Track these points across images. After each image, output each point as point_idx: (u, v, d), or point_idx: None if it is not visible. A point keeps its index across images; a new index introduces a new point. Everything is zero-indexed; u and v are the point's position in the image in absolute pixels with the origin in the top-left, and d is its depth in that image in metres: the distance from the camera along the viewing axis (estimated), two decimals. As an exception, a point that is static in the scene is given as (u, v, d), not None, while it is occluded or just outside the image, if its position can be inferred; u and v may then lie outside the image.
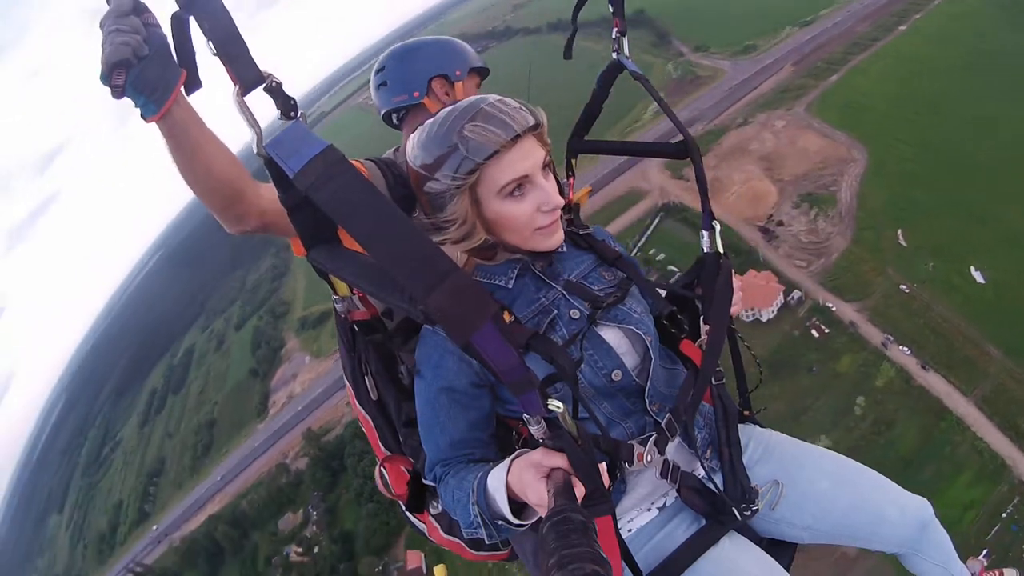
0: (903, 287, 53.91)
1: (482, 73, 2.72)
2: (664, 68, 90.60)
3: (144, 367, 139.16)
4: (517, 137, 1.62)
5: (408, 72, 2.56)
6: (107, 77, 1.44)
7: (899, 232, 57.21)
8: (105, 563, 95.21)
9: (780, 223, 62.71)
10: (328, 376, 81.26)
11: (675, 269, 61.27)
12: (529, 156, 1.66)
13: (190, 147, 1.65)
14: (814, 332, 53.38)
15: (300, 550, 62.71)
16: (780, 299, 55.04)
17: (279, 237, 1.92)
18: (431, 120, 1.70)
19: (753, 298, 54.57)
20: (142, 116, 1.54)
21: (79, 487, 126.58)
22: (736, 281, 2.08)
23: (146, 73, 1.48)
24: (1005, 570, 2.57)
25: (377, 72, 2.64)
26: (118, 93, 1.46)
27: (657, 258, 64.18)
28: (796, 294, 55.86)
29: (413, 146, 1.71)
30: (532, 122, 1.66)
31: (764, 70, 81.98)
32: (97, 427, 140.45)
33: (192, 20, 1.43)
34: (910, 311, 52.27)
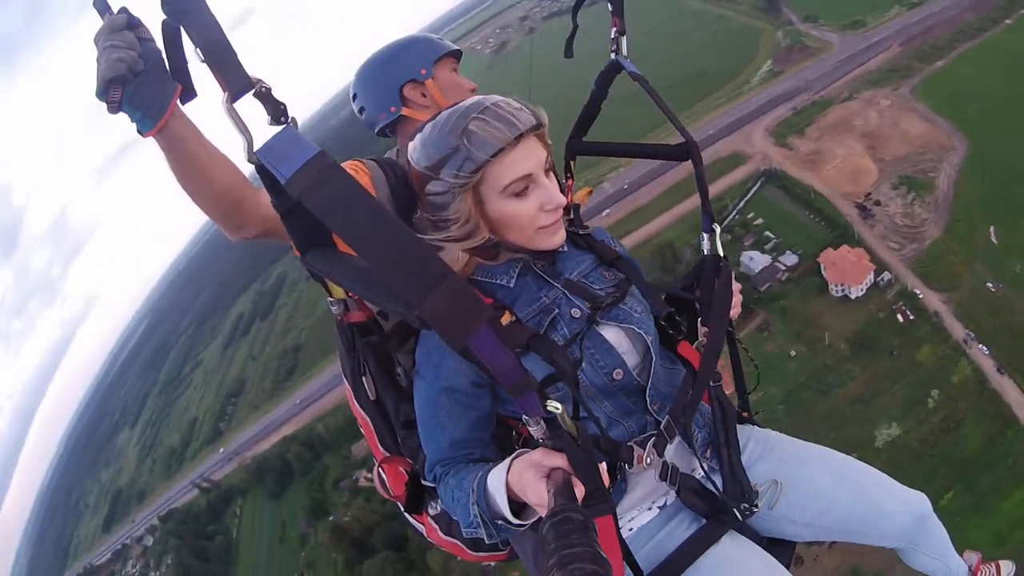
0: (989, 285, 51.77)
1: (455, 55, 2.59)
2: (774, 35, 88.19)
3: (232, 292, 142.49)
4: (520, 136, 1.61)
5: (376, 91, 2.51)
6: (103, 93, 1.43)
7: (991, 229, 54.78)
8: (172, 477, 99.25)
9: (877, 202, 60.80)
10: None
11: (771, 235, 61.01)
12: (532, 156, 1.65)
13: (188, 160, 1.65)
14: (899, 316, 51.87)
15: (370, 475, 62.40)
16: (870, 278, 53.53)
17: (282, 242, 1.87)
18: (433, 120, 1.68)
19: (844, 274, 53.50)
20: (139, 131, 1.53)
21: (155, 404, 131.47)
22: (735, 284, 2.08)
23: (142, 88, 1.47)
24: (1002, 562, 2.54)
25: (352, 99, 2.60)
26: (114, 109, 1.46)
27: (755, 223, 63.20)
28: (886, 276, 54.26)
29: (415, 147, 1.69)
30: (534, 122, 1.64)
31: (871, 47, 78.78)
32: (179, 347, 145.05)
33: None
34: (993, 310, 50.16)
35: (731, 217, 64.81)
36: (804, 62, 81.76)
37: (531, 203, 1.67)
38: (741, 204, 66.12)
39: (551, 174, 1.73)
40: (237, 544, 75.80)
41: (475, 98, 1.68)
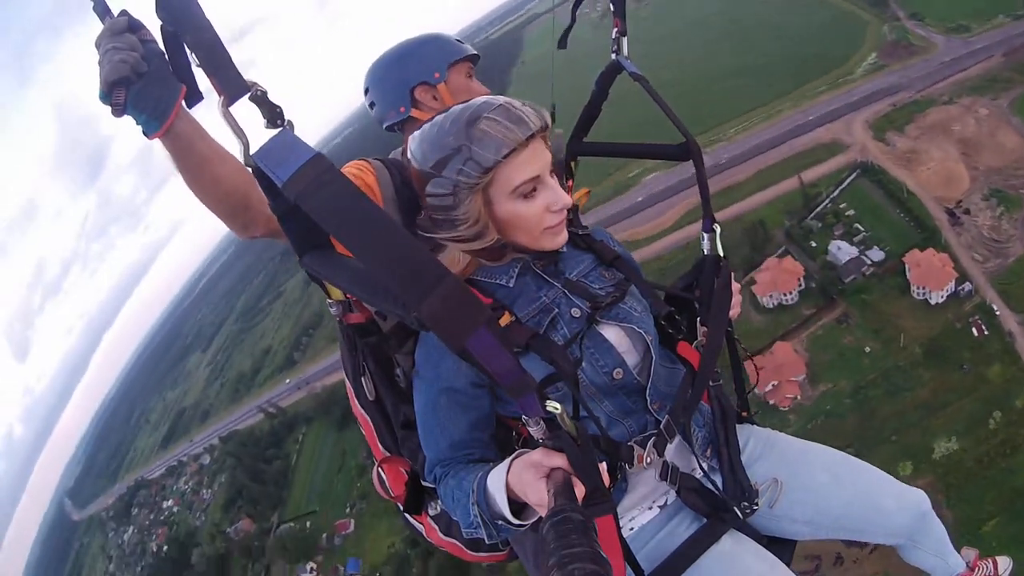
0: (1065, 312, 48.95)
1: (472, 59, 2.52)
2: (880, 28, 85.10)
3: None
4: (531, 137, 1.58)
5: (388, 89, 2.46)
6: (107, 96, 1.42)
7: (1073, 254, 51.94)
8: (238, 402, 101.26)
9: (967, 211, 58.40)
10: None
11: (861, 228, 59.47)
12: (540, 157, 1.62)
13: (195, 161, 1.63)
14: (974, 330, 49.63)
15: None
16: (951, 286, 51.46)
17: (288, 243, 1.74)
18: (444, 114, 1.63)
19: (927, 277, 51.71)
20: (144, 133, 1.51)
21: (230, 330, 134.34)
22: (735, 284, 2.04)
23: (146, 90, 1.46)
24: (999, 558, 2.49)
25: (365, 92, 2.54)
26: (119, 112, 1.44)
27: (847, 213, 61.76)
28: (967, 286, 52.07)
29: (419, 143, 1.64)
30: (543, 123, 1.61)
31: (974, 53, 75.00)
32: (262, 278, 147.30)
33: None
34: (1066, 338, 47.44)
35: (824, 205, 63.86)
36: (908, 59, 78.79)
37: (538, 204, 1.64)
38: (836, 193, 64.85)
39: (554, 175, 1.69)
40: (295, 470, 77.61)
41: (484, 97, 1.63)
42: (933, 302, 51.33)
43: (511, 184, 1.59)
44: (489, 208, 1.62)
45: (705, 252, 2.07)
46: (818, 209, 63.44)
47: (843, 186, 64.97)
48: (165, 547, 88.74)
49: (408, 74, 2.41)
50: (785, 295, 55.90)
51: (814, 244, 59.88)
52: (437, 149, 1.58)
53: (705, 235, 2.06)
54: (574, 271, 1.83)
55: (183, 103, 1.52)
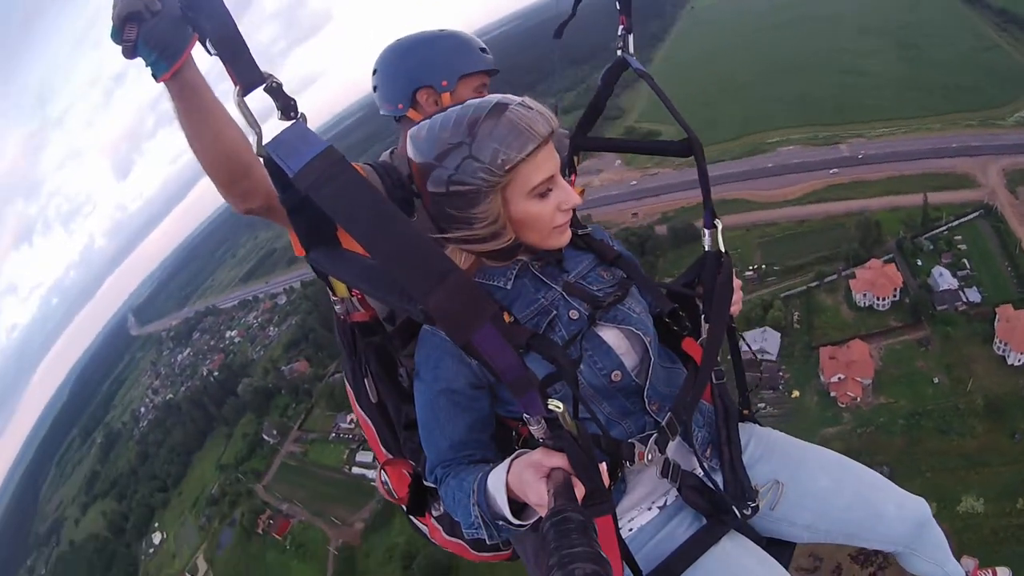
0: None
1: (489, 74, 2.39)
2: None
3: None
4: (548, 135, 1.52)
5: (394, 81, 2.31)
6: (118, 32, 1.39)
7: None
8: None
9: (1070, 278, 55.53)
10: (624, 184, 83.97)
11: (967, 264, 57.88)
12: (553, 155, 1.57)
13: (200, 112, 1.59)
14: (1040, 402, 47.30)
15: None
16: (1033, 352, 49.24)
17: (282, 225, 1.73)
18: (459, 108, 1.54)
19: (1012, 334, 49.34)
20: (153, 75, 1.48)
21: None
22: (736, 280, 1.96)
23: (159, 27, 1.42)
24: (998, 569, 2.46)
25: (373, 74, 2.39)
26: (130, 50, 1.41)
27: (959, 246, 60.29)
28: (1047, 355, 49.53)
29: (423, 136, 1.55)
30: (555, 123, 1.55)
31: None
32: (387, 144, 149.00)
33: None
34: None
35: (940, 231, 62.82)
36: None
37: (551, 203, 1.59)
38: (955, 223, 63.50)
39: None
40: (368, 325, 79.06)
41: (498, 96, 1.56)
42: (1010, 361, 49.38)
43: (530, 183, 1.54)
44: (506, 208, 1.56)
45: (706, 248, 1.99)
46: (933, 232, 62.36)
47: (963, 220, 63.38)
48: (216, 373, 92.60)
49: (417, 72, 2.28)
50: (878, 299, 55.31)
51: (919, 263, 58.95)
52: (448, 143, 1.50)
53: (706, 231, 1.97)
54: (573, 272, 1.77)
55: (194, 55, 1.49)
